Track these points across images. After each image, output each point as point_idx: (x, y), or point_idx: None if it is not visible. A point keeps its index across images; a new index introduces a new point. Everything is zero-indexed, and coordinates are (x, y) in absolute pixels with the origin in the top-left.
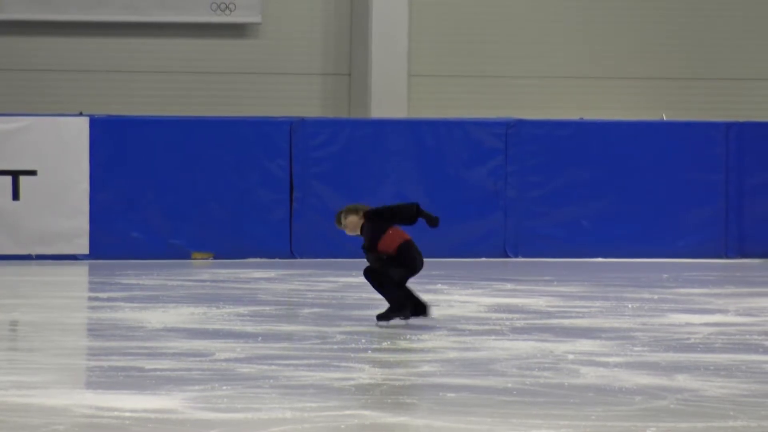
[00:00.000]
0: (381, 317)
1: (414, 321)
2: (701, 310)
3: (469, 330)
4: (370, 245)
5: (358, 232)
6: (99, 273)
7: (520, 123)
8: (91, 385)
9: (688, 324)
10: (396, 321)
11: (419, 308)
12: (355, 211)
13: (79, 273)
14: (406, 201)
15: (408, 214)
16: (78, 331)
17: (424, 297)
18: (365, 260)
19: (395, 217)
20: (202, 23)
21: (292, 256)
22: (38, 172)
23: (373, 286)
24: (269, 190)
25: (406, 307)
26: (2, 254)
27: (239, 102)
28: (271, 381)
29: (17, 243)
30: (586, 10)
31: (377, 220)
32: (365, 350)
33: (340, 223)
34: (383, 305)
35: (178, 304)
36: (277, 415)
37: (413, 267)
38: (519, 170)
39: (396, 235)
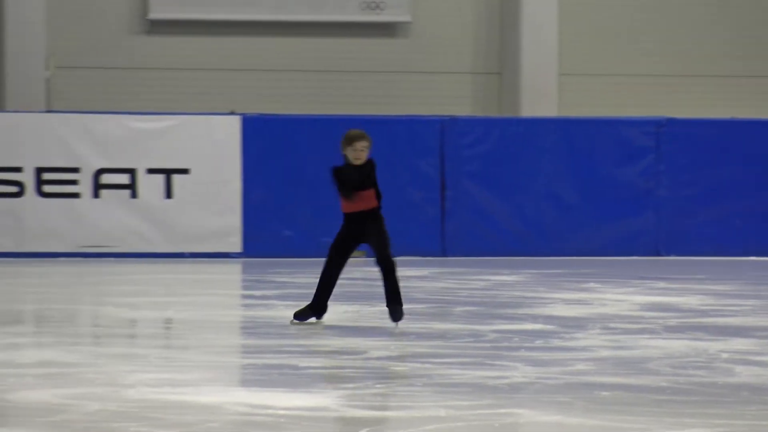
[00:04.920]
0: (398, 315)
1: (567, 321)
2: None
3: (622, 328)
4: (360, 185)
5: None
6: (252, 271)
7: (672, 122)
8: (245, 382)
9: None
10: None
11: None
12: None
13: (232, 271)
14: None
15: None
16: (231, 328)
17: (575, 296)
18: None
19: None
20: (352, 22)
21: (445, 254)
22: (191, 171)
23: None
24: (420, 189)
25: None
26: (156, 252)
27: (390, 101)
28: (425, 379)
29: (170, 241)
30: (739, 8)
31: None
32: (518, 348)
33: (360, 141)
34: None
35: (332, 303)
36: (431, 413)
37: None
38: (670, 169)
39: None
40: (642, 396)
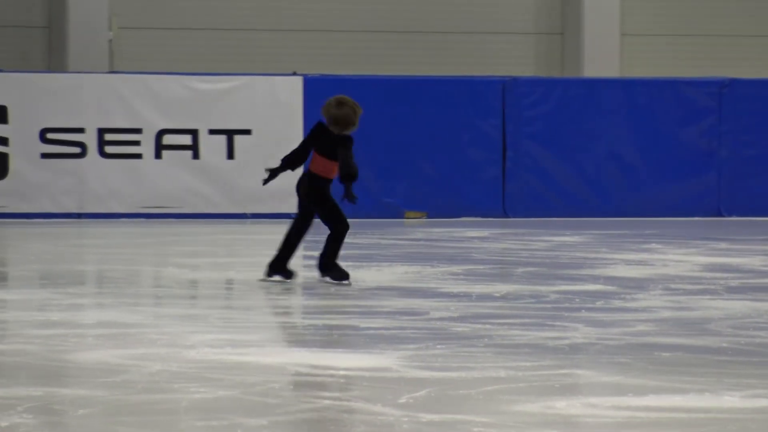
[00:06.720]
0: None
1: (628, 281)
2: None
3: (683, 289)
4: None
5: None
6: (313, 231)
7: (734, 82)
8: (305, 343)
9: None
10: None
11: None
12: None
13: None
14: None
15: (347, 169)
16: (292, 289)
17: (637, 257)
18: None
19: (343, 160)
20: None
21: (505, 215)
22: (252, 132)
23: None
24: (482, 150)
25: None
26: (218, 213)
27: (452, 61)
28: (486, 340)
29: (232, 202)
30: None
31: (338, 142)
32: (579, 309)
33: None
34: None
35: (392, 263)
36: (491, 374)
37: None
38: (733, 129)
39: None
40: (702, 357)
